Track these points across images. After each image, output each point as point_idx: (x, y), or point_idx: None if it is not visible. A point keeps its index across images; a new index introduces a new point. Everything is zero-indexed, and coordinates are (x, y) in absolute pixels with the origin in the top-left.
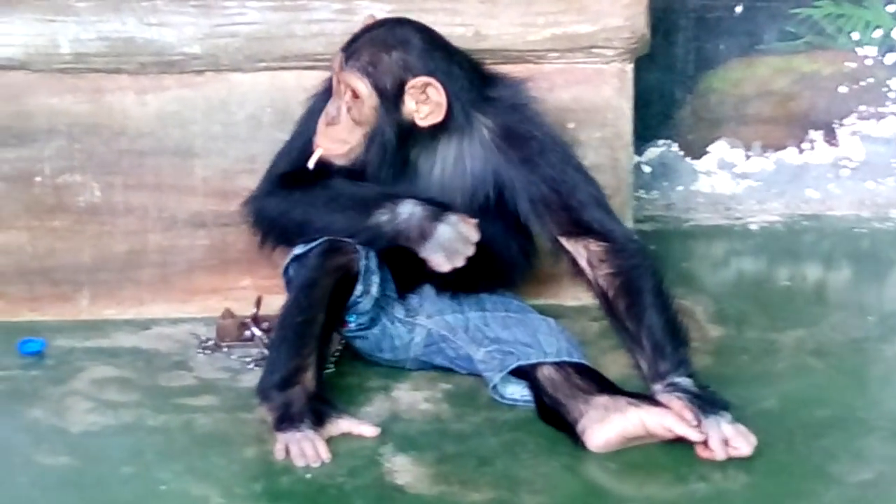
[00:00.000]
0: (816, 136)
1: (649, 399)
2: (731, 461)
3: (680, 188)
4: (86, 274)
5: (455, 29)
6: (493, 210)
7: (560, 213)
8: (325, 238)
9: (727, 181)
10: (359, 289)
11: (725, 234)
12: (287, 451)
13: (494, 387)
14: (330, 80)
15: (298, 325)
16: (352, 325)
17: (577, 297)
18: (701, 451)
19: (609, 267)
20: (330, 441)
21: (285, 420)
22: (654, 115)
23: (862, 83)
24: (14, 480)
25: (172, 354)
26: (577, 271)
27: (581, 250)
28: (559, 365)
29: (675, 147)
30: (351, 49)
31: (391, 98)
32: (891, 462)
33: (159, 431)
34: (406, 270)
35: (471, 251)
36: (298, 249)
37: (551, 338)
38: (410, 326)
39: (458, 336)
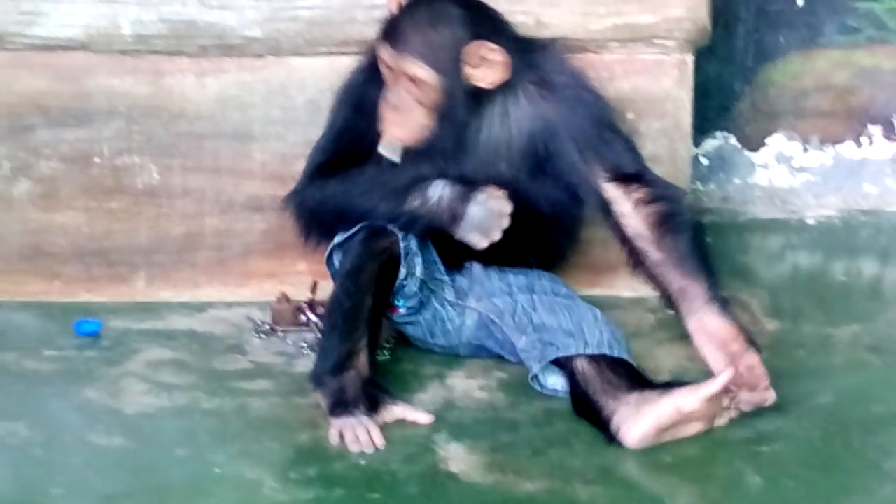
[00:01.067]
0: (875, 130)
1: (679, 384)
2: (788, 458)
3: (737, 181)
4: (142, 256)
5: (516, 17)
6: (542, 171)
7: (604, 156)
8: (365, 223)
9: (784, 174)
10: (402, 271)
11: (782, 228)
12: (341, 437)
13: (535, 377)
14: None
15: (347, 311)
16: (401, 310)
17: (634, 288)
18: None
19: (654, 207)
20: (384, 427)
21: (339, 405)
22: (712, 107)
23: None
24: (68, 461)
25: (227, 338)
26: (616, 219)
27: (625, 195)
28: (596, 358)
29: (732, 139)
30: (395, 35)
31: (451, 72)
32: None
33: (213, 414)
34: (451, 247)
35: (505, 223)
36: (339, 238)
37: (595, 328)
38: (461, 310)
39: (504, 321)
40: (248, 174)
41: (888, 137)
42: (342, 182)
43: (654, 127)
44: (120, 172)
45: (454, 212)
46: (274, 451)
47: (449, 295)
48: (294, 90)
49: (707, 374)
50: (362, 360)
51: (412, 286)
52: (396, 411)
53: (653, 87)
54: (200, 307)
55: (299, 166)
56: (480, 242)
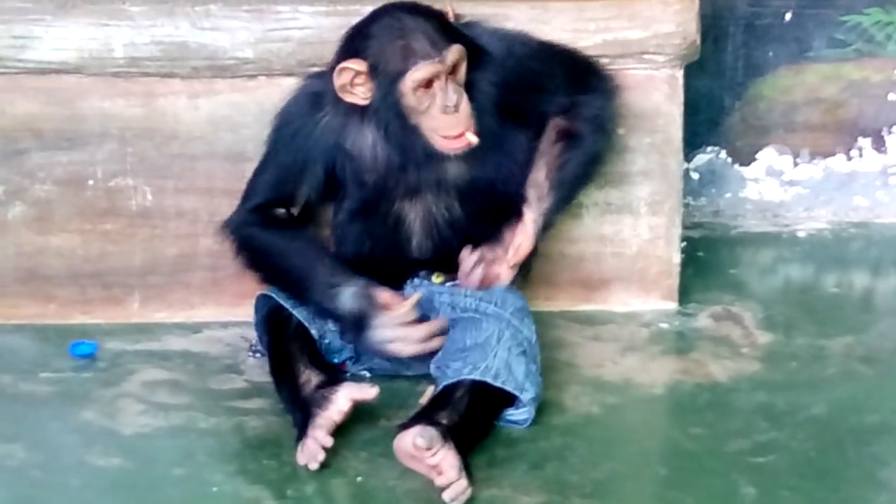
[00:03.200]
0: (865, 143)
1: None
2: (783, 470)
3: (728, 195)
4: (137, 277)
5: None
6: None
7: (548, 97)
8: (264, 305)
9: (775, 188)
10: (314, 332)
11: (773, 242)
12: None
13: None
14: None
15: (289, 385)
16: (347, 363)
17: (626, 302)
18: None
19: (564, 125)
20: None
21: (298, 435)
22: (702, 121)
23: None
24: (66, 482)
25: (223, 358)
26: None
27: (555, 121)
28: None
29: (723, 154)
30: (421, 45)
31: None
32: None
33: (210, 434)
34: (391, 265)
35: (409, 350)
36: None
37: (490, 352)
38: None
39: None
40: (241, 195)
41: (878, 150)
42: (280, 243)
43: (645, 142)
44: (114, 194)
45: (359, 326)
46: (271, 468)
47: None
48: None
49: (698, 388)
50: (309, 380)
51: (334, 341)
52: (341, 395)
53: (643, 103)
54: (195, 328)
55: None
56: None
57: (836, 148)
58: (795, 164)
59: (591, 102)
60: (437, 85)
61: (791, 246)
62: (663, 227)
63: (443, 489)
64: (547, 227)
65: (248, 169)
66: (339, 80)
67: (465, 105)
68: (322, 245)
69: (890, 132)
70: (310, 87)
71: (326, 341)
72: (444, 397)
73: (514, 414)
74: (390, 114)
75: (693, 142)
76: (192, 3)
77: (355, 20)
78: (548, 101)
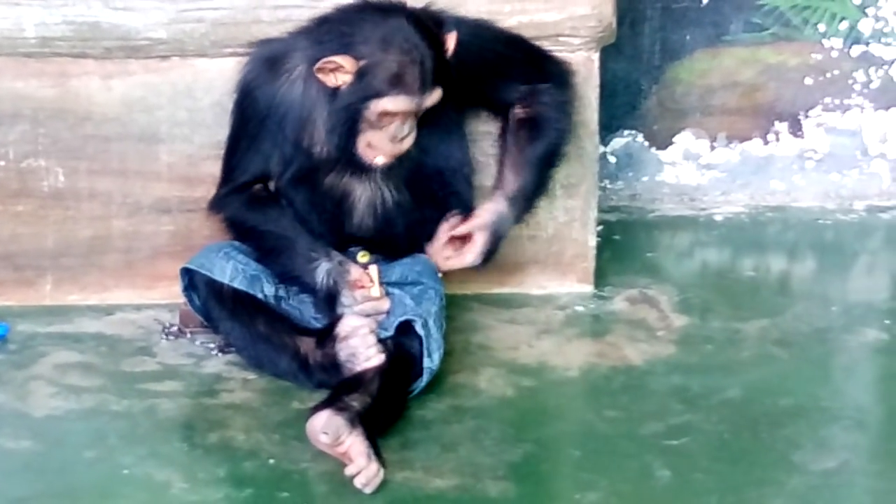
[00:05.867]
0: (782, 127)
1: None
2: (697, 452)
3: (645, 178)
4: (49, 259)
5: None
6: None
7: (507, 82)
8: (195, 285)
9: (692, 172)
10: (261, 296)
11: (690, 225)
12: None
13: None
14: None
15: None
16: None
17: (542, 285)
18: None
19: (527, 112)
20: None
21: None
22: (619, 105)
23: (828, 75)
24: None
25: (136, 340)
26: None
27: (516, 109)
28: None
29: (640, 137)
30: (410, 82)
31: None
32: (854, 451)
33: (122, 416)
34: (328, 239)
35: (384, 306)
36: (183, 283)
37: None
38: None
39: None
40: (155, 176)
41: (794, 134)
42: (262, 220)
43: None
44: (26, 175)
45: (329, 300)
46: (183, 451)
47: (310, 310)
48: (200, 92)
49: (613, 371)
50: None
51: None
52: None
53: None
54: (108, 310)
55: (206, 168)
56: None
57: (753, 132)
58: (712, 148)
59: (551, 89)
60: (401, 117)
61: (708, 230)
62: (579, 209)
63: (353, 476)
64: (522, 216)
65: (162, 151)
66: (325, 65)
67: (410, 139)
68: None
69: (807, 116)
70: (262, 52)
71: (283, 305)
72: (356, 379)
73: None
74: (347, 113)
75: (610, 125)
76: None
77: (269, 1)
78: (508, 87)
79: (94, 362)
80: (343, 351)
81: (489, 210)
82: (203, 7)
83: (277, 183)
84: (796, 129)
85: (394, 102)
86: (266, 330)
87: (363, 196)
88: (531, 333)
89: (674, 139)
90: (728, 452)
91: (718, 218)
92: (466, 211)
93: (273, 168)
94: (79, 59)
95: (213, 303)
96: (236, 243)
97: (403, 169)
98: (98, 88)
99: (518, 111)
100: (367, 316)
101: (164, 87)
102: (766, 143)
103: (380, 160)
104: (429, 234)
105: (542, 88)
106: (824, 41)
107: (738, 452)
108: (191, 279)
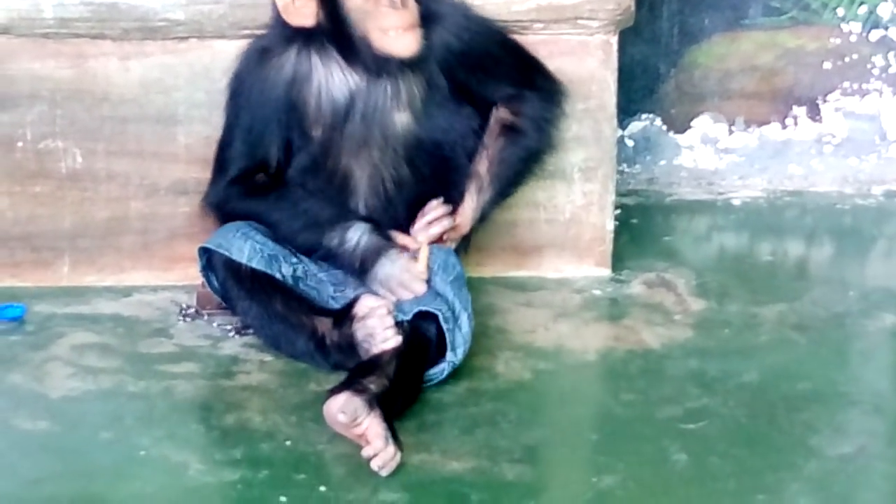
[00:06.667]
0: (800, 112)
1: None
2: (714, 436)
3: (663, 162)
4: (66, 240)
5: None
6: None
7: (495, 81)
8: (213, 265)
9: (710, 156)
10: (280, 276)
11: (708, 209)
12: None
13: None
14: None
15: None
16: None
17: (559, 269)
18: None
19: (509, 119)
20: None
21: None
22: (637, 88)
23: (846, 59)
24: None
25: (153, 321)
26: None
27: (501, 110)
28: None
29: (658, 121)
30: None
31: None
32: (871, 436)
33: (139, 397)
34: None
35: (420, 289)
36: (202, 262)
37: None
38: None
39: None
40: (172, 158)
41: (813, 118)
42: (266, 202)
43: (579, 108)
44: (43, 157)
45: (365, 263)
46: (199, 433)
47: (328, 290)
48: (218, 73)
49: (630, 354)
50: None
51: (308, 282)
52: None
53: (577, 68)
54: (126, 291)
55: None
56: (384, 296)
57: (771, 116)
58: (730, 132)
59: (536, 102)
60: None
61: (725, 214)
62: (597, 193)
63: (370, 458)
64: (483, 219)
65: (180, 132)
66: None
67: (411, 4)
68: (312, 193)
69: (825, 101)
70: (255, 44)
71: (301, 286)
72: (373, 361)
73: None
74: (337, 24)
75: (628, 109)
76: None
77: None
78: (494, 86)
79: (111, 343)
80: (360, 331)
81: (469, 209)
82: None
83: (278, 173)
84: (814, 113)
85: None
86: (283, 310)
87: (364, 176)
88: (548, 317)
89: (692, 123)
90: (745, 437)
91: (736, 202)
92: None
93: (271, 157)
94: (96, 40)
95: (231, 283)
96: (253, 223)
97: (402, 146)
98: (116, 69)
99: (501, 113)
100: (394, 296)
101: (181, 68)
102: (785, 127)
103: (402, 43)
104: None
105: (529, 96)
106: (843, 25)
107: (756, 437)
108: (209, 259)
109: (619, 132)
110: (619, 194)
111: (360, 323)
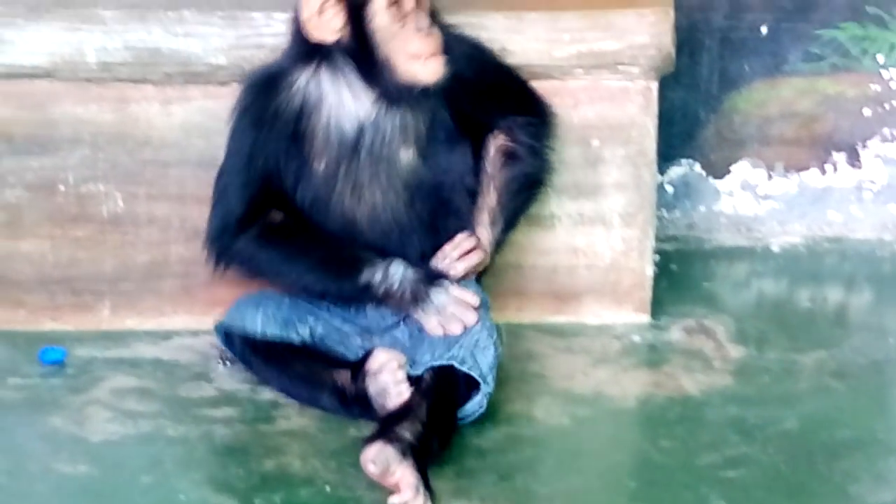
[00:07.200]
0: (839, 158)
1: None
2: (753, 484)
3: (702, 208)
4: (107, 284)
5: None
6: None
7: (498, 110)
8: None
9: (749, 202)
10: (298, 339)
11: (747, 255)
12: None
13: None
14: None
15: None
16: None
17: (599, 314)
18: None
19: (508, 146)
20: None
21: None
22: (677, 134)
23: (886, 106)
24: (33, 488)
25: (193, 365)
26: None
27: (499, 137)
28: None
29: (697, 167)
30: None
31: None
32: None
33: (179, 442)
34: None
35: (471, 319)
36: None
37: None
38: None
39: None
40: (216, 206)
41: (852, 165)
42: (286, 247)
43: (619, 153)
44: (85, 200)
45: (417, 293)
46: (239, 477)
47: (356, 341)
48: None
49: (669, 401)
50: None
51: (330, 338)
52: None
53: (617, 114)
54: (166, 335)
55: None
56: (436, 329)
57: (811, 162)
58: (770, 178)
59: (533, 128)
60: (406, 5)
61: (765, 260)
62: (636, 239)
63: None
64: (497, 250)
65: None
66: (308, 8)
67: (436, 31)
68: (331, 234)
69: (864, 147)
70: (263, 71)
71: (326, 343)
72: (405, 406)
73: (464, 409)
74: (362, 42)
75: (668, 154)
76: (165, 8)
77: None
78: (495, 115)
79: (151, 387)
80: (372, 386)
81: (485, 241)
82: (263, 33)
83: (287, 211)
84: (854, 159)
85: None
86: (303, 370)
87: (365, 219)
88: (587, 363)
89: (731, 169)
90: (784, 484)
91: (775, 248)
92: (465, 223)
93: (277, 192)
94: (139, 84)
95: (248, 353)
96: (268, 290)
97: (403, 188)
98: (157, 113)
99: (500, 140)
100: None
101: (223, 112)
102: (824, 173)
103: (428, 69)
104: (435, 249)
105: (526, 122)
106: (883, 71)
107: (795, 485)
108: (227, 334)
109: (659, 178)
110: (659, 240)
111: (372, 378)
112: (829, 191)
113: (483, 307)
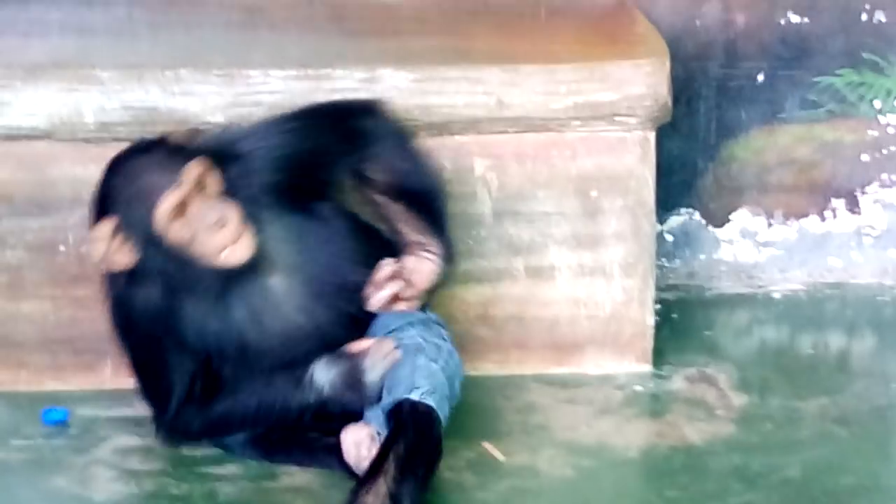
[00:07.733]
0: (839, 204)
1: None
2: None
3: (702, 257)
4: (109, 343)
5: (478, 97)
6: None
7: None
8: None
9: (749, 249)
10: None
11: (748, 303)
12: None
13: None
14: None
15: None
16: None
17: (600, 365)
18: None
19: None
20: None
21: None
22: (675, 183)
23: (884, 151)
24: None
25: None
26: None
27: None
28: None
29: (697, 215)
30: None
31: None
32: None
33: (182, 500)
34: None
35: (388, 359)
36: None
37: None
38: None
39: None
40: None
41: (851, 211)
42: (225, 407)
43: (618, 204)
44: (85, 260)
45: (354, 385)
46: None
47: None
48: None
49: (673, 450)
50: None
51: None
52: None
53: (615, 165)
54: None
55: None
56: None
57: (810, 209)
58: (769, 226)
59: (394, 144)
60: (192, 209)
61: (766, 307)
62: (637, 289)
63: None
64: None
65: None
66: (96, 250)
67: (231, 213)
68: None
69: (863, 193)
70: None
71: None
72: (382, 451)
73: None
74: (162, 260)
75: (666, 203)
76: (162, 67)
77: (325, 84)
78: (340, 168)
79: (153, 446)
80: (347, 458)
81: (415, 261)
82: (260, 91)
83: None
84: (853, 205)
85: (162, 207)
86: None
87: (283, 344)
88: (590, 413)
89: (730, 217)
90: None
91: (776, 295)
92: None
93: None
94: None
95: (250, 452)
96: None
97: (295, 307)
98: None
99: (375, 184)
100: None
101: None
102: (824, 219)
103: (238, 253)
104: (354, 330)
105: (376, 151)
106: (880, 117)
107: None
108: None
109: (659, 227)
110: (659, 289)
111: (345, 452)
112: (828, 237)
113: (421, 325)
